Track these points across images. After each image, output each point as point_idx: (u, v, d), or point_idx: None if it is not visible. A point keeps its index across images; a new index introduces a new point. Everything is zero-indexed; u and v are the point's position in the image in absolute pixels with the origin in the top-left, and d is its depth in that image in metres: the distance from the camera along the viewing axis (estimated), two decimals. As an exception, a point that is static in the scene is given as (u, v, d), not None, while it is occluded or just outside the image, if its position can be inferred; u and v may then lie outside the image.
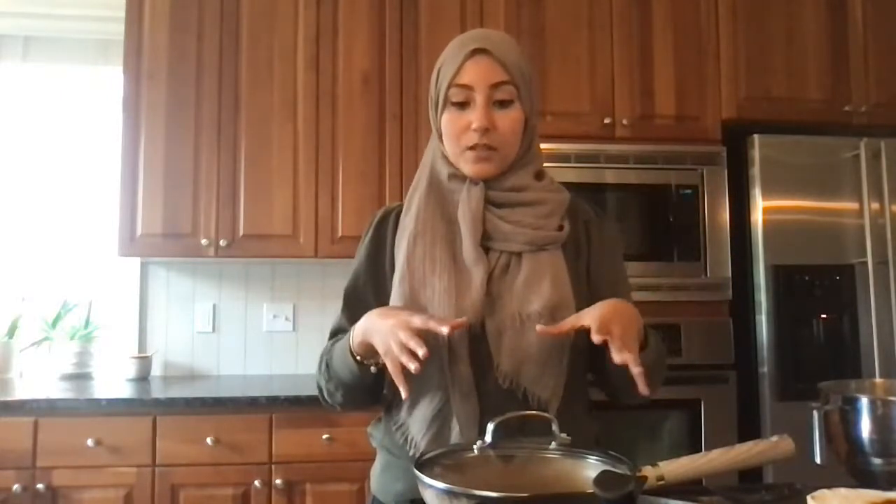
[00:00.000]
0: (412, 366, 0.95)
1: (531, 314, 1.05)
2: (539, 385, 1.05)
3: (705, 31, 2.61)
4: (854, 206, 2.46)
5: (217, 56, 2.56)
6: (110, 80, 2.84)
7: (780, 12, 2.63)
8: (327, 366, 1.15)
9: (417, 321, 0.98)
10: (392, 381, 1.07)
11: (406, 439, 1.09)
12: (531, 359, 1.04)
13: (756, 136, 2.47)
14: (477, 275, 1.07)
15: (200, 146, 2.53)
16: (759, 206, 2.44)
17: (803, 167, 2.46)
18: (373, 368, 1.08)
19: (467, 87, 1.10)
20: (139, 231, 2.49)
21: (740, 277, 2.47)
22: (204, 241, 2.51)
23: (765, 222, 2.43)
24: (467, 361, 1.05)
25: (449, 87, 1.11)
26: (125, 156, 2.51)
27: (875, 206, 2.45)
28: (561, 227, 1.13)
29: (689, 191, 2.48)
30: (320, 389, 1.18)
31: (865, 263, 2.42)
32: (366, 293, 1.18)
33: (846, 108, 2.62)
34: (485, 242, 1.10)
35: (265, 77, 2.58)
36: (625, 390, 1.07)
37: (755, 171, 2.46)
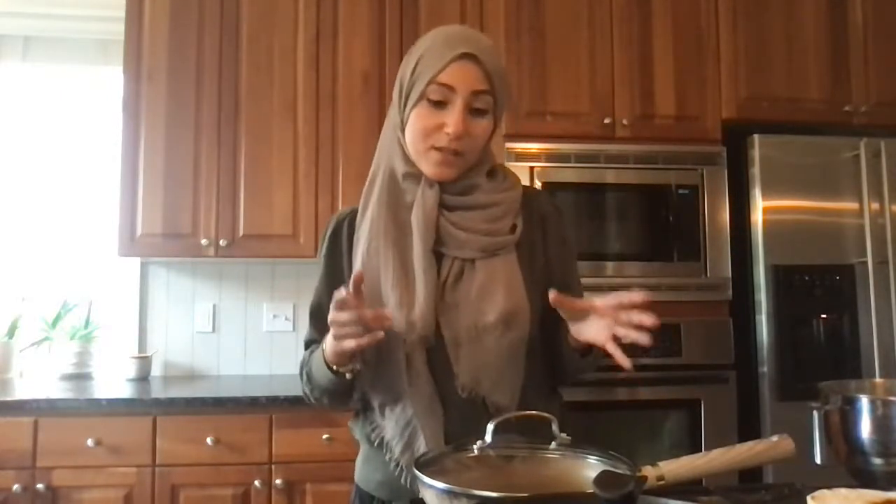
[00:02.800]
0: (356, 342, 0.97)
1: (487, 325, 1.06)
2: (497, 393, 1.07)
3: (705, 31, 2.61)
4: (854, 206, 2.45)
5: (217, 56, 2.57)
6: (110, 80, 2.84)
7: (780, 12, 2.63)
8: (308, 377, 1.16)
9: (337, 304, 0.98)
10: (363, 389, 1.12)
11: (382, 441, 1.11)
12: (489, 368, 1.06)
13: (756, 136, 2.47)
14: (427, 286, 1.06)
15: (200, 146, 2.53)
16: (759, 206, 2.44)
17: (803, 167, 2.46)
18: (348, 375, 1.08)
19: (449, 88, 1.07)
20: (139, 231, 2.49)
21: (740, 277, 2.47)
22: (204, 241, 2.51)
23: (765, 222, 2.43)
24: (427, 374, 1.07)
25: (429, 83, 1.07)
26: (125, 156, 2.51)
27: (875, 206, 2.45)
28: (514, 228, 1.13)
29: (689, 191, 2.48)
30: (306, 395, 1.19)
31: (865, 263, 2.42)
32: (329, 309, 1.19)
33: (846, 108, 2.62)
34: (437, 248, 1.10)
35: (265, 77, 2.58)
36: (570, 370, 1.15)
37: (755, 171, 2.46)
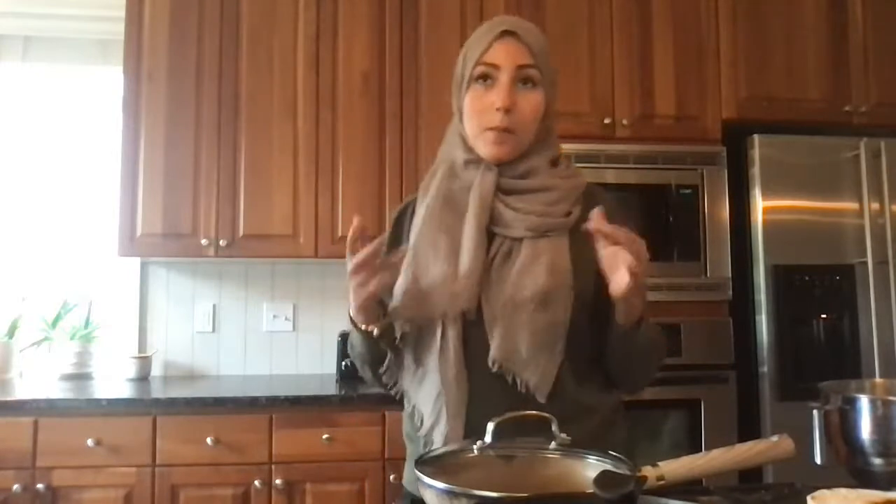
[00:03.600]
0: (367, 288, 1.03)
1: (523, 300, 1.06)
2: (528, 371, 1.06)
3: (705, 31, 2.61)
4: (854, 206, 2.46)
5: (217, 56, 2.57)
6: (110, 80, 2.84)
7: (780, 12, 2.63)
8: (351, 347, 1.20)
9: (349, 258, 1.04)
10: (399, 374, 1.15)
11: (422, 422, 1.12)
12: (521, 345, 1.06)
13: (756, 136, 2.47)
14: (473, 261, 1.08)
15: (200, 146, 2.53)
16: (759, 206, 2.44)
17: (803, 167, 2.46)
18: (375, 332, 1.11)
19: (493, 66, 1.12)
20: (139, 231, 2.49)
21: (740, 277, 2.47)
22: (204, 241, 2.51)
23: (765, 222, 2.43)
24: (458, 347, 1.07)
25: (476, 65, 1.13)
26: (125, 156, 2.51)
27: (875, 206, 2.45)
28: (569, 213, 1.13)
29: (689, 191, 2.48)
30: (358, 369, 1.24)
31: (865, 263, 2.42)
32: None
33: (846, 108, 2.62)
34: (491, 228, 1.12)
35: (265, 77, 2.58)
36: (622, 372, 1.13)
37: (755, 171, 2.46)
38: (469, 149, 1.16)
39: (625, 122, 2.53)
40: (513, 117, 1.11)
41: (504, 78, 1.11)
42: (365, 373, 1.22)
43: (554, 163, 1.18)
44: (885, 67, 2.67)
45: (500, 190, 1.13)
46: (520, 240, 1.10)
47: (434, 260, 1.10)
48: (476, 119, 1.13)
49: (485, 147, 1.13)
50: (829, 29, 2.65)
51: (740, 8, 2.61)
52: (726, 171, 2.50)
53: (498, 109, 1.10)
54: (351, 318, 1.11)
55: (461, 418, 1.05)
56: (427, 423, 1.09)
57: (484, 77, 1.12)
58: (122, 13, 2.55)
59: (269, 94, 2.57)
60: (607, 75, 2.57)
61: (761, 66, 2.60)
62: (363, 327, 1.11)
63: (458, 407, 1.06)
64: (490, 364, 1.06)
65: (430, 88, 2.63)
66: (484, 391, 1.06)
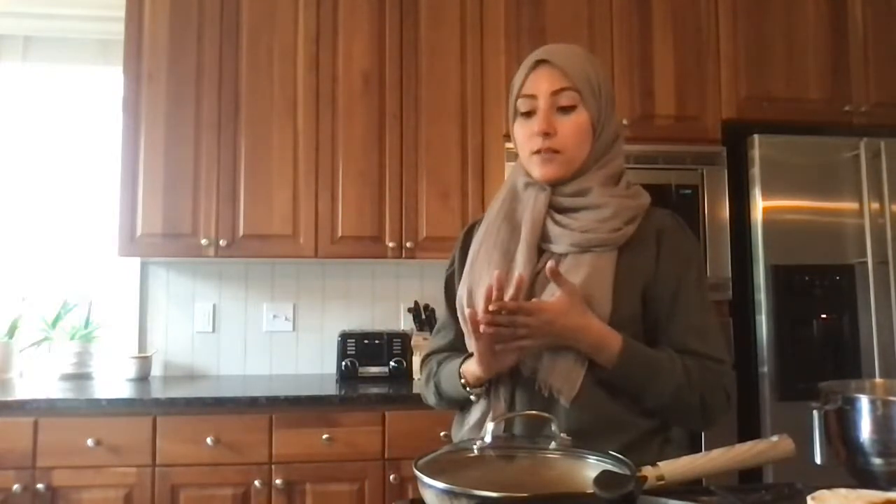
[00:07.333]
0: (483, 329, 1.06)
1: None
2: (551, 376, 1.09)
3: (705, 31, 2.61)
4: (854, 206, 2.45)
5: (217, 56, 2.57)
6: (110, 80, 2.84)
7: (780, 12, 2.63)
8: (436, 386, 1.26)
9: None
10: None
11: (467, 418, 1.20)
12: (548, 350, 1.09)
13: (756, 136, 2.47)
14: (520, 274, 1.12)
15: (200, 146, 2.54)
16: (759, 206, 2.44)
17: (803, 167, 2.46)
18: (472, 398, 1.17)
19: (531, 97, 1.18)
20: (139, 231, 2.50)
21: (740, 277, 2.47)
22: (204, 241, 2.51)
23: (765, 222, 2.43)
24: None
25: (517, 98, 1.20)
26: (125, 156, 2.51)
27: (875, 206, 2.45)
28: (618, 230, 1.14)
29: (689, 191, 2.47)
30: (425, 396, 1.31)
31: (865, 263, 2.42)
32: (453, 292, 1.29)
33: (846, 108, 2.62)
34: (542, 244, 1.16)
35: (265, 77, 2.58)
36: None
37: (755, 171, 2.46)
38: (527, 173, 1.22)
39: (625, 122, 2.53)
40: (555, 140, 1.15)
41: (541, 105, 1.16)
42: (440, 404, 1.28)
43: (614, 181, 1.20)
44: (885, 67, 2.67)
45: (553, 209, 1.17)
46: (565, 255, 1.13)
47: (487, 274, 1.15)
48: (523, 146, 1.20)
49: (535, 170, 1.18)
50: (829, 29, 2.65)
51: (740, 8, 2.61)
52: (726, 171, 2.50)
53: (537, 135, 1.15)
54: (459, 378, 1.17)
55: (502, 423, 1.08)
56: (472, 418, 1.15)
57: (527, 112, 1.18)
58: (122, 13, 2.55)
59: (269, 94, 2.57)
60: (607, 75, 2.56)
61: (761, 66, 2.60)
62: (468, 388, 1.16)
63: (505, 402, 1.12)
64: (522, 367, 1.11)
65: (430, 88, 2.64)
66: (526, 398, 1.11)
